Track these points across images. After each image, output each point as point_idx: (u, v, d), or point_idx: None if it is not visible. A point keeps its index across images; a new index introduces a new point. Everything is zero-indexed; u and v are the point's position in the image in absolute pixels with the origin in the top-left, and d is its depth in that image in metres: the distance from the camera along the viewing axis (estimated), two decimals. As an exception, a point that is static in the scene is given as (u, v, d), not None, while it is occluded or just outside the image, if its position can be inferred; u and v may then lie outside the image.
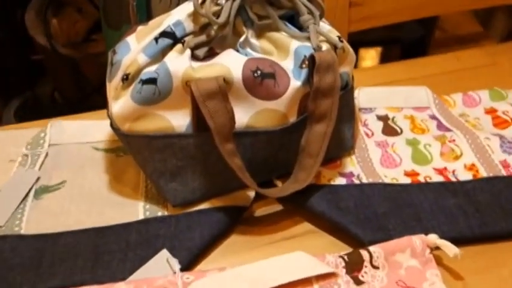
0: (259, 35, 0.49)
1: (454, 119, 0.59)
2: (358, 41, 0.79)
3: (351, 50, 0.52)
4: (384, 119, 0.60)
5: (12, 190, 0.51)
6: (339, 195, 0.50)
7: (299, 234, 0.49)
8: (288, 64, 0.47)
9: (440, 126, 0.59)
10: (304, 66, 0.47)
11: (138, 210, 0.49)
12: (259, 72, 0.45)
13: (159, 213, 0.48)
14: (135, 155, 0.48)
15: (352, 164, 0.54)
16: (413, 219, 0.48)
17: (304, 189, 0.49)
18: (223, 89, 0.43)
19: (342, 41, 0.49)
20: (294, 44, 0.47)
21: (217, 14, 0.45)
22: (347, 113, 0.53)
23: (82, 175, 0.53)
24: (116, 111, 0.45)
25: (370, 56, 0.94)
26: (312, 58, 0.46)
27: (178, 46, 0.45)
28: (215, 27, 0.46)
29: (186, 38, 0.46)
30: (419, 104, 0.62)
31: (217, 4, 0.46)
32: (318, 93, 0.47)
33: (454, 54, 0.74)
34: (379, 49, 0.92)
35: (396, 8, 0.71)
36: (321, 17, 0.49)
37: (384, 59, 0.92)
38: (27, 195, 0.50)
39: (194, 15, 0.46)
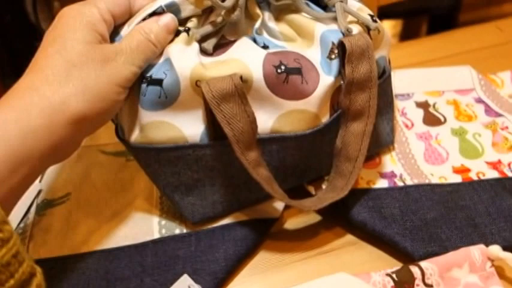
0: (277, 17, 0.42)
1: (504, 102, 0.52)
2: (380, 13, 0.71)
3: (386, 29, 0.44)
4: (424, 105, 0.53)
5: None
6: (381, 200, 0.43)
7: (337, 247, 0.42)
8: (314, 54, 0.40)
9: (488, 111, 0.52)
10: (333, 56, 0.39)
11: (153, 227, 0.43)
12: (283, 67, 0.38)
13: (177, 230, 0.42)
14: (144, 168, 0.41)
15: (393, 162, 0.47)
16: (468, 225, 0.42)
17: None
18: (240, 90, 0.36)
19: (375, 21, 0.42)
20: (319, 28, 0.40)
21: None
22: (385, 103, 0.46)
23: (88, 185, 0.47)
24: (122, 117, 0.40)
25: (395, 30, 0.86)
26: (341, 45, 0.39)
27: (183, 35, 0.38)
28: (222, 12, 0.39)
29: (191, 29, 0.39)
30: (462, 86, 0.55)
31: None
32: (352, 87, 0.40)
33: (495, 24, 0.67)
34: (404, 21, 0.84)
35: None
36: None
37: (411, 32, 0.84)
38: (27, 211, 0.45)
39: None
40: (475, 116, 0.52)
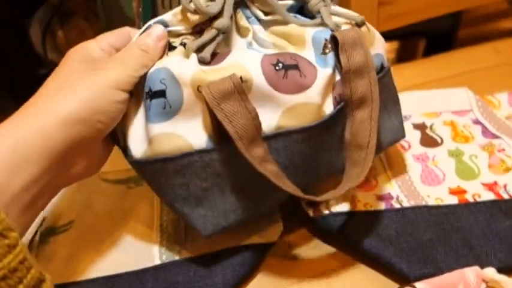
0: (267, 30, 0.43)
1: (501, 123, 0.53)
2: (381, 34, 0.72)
3: (376, 32, 0.45)
4: (421, 127, 0.54)
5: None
6: (378, 222, 0.44)
7: (334, 268, 0.43)
8: (308, 55, 0.41)
9: (485, 132, 0.52)
10: (327, 51, 0.40)
11: (154, 253, 0.43)
12: (280, 65, 0.39)
13: (177, 257, 0.43)
14: (151, 183, 0.41)
15: (389, 184, 0.48)
16: (464, 247, 0.42)
17: (338, 218, 0.43)
18: (239, 88, 0.37)
19: (363, 23, 0.43)
20: (309, 31, 0.41)
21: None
22: (389, 98, 0.46)
23: (90, 212, 0.48)
24: (129, 138, 0.40)
25: (391, 55, 0.86)
26: (333, 39, 0.40)
27: (179, 49, 0.40)
28: (213, 24, 0.39)
29: (187, 42, 0.40)
30: (459, 107, 0.56)
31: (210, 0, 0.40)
32: (350, 75, 0.40)
33: (492, 45, 0.67)
34: (401, 43, 0.85)
35: (428, 3, 0.64)
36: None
37: (408, 53, 0.85)
38: (32, 239, 0.46)
39: (183, 14, 0.40)
40: (472, 137, 0.52)
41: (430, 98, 0.56)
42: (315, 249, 0.45)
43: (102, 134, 0.38)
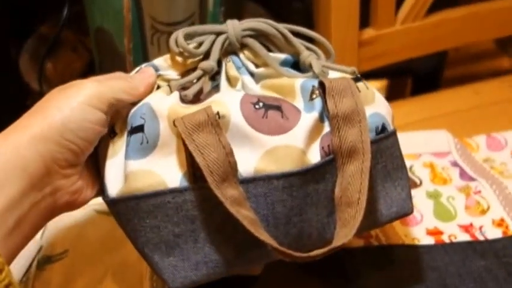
0: (258, 83, 0.42)
1: (478, 166, 0.55)
2: (365, 73, 0.75)
3: (378, 93, 0.43)
4: (401, 168, 0.56)
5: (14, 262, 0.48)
6: (356, 259, 0.46)
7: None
8: (296, 104, 0.39)
9: (463, 174, 0.55)
10: (314, 96, 0.39)
11: (144, 284, 0.45)
12: (261, 104, 0.37)
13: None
14: (124, 225, 0.39)
15: (369, 224, 0.50)
16: (439, 285, 0.44)
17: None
18: (213, 120, 0.35)
19: (359, 79, 0.42)
20: (298, 81, 0.40)
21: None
22: (394, 166, 0.42)
23: (84, 242, 0.50)
24: (106, 176, 0.39)
25: (382, 89, 0.89)
26: (321, 85, 0.39)
27: (164, 88, 0.40)
28: (200, 65, 0.40)
29: (171, 82, 0.40)
30: (439, 149, 0.58)
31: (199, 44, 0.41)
32: (339, 122, 0.38)
33: (472, 88, 0.70)
34: (388, 81, 0.88)
35: (408, 44, 0.67)
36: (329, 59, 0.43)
37: (394, 91, 0.88)
38: (30, 266, 0.48)
39: (172, 59, 0.41)
40: (450, 179, 0.55)
41: (410, 140, 0.58)
42: (295, 281, 0.46)
43: (78, 158, 0.36)
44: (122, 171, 0.38)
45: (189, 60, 0.41)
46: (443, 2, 0.69)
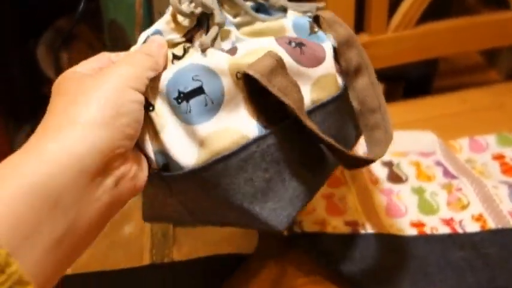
0: (239, 31, 0.41)
1: (460, 166, 0.59)
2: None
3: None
4: (388, 165, 0.59)
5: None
6: (344, 245, 0.49)
7: (303, 284, 0.48)
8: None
9: (446, 173, 0.58)
10: (316, 29, 0.42)
11: (143, 254, 0.48)
12: (293, 43, 0.39)
13: (166, 259, 0.47)
14: (216, 189, 0.37)
15: (357, 212, 0.53)
16: (420, 273, 0.47)
17: (309, 237, 0.48)
18: (281, 63, 0.37)
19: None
20: (287, 21, 0.42)
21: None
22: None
23: None
24: (170, 149, 0.36)
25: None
26: (316, 19, 0.43)
27: (192, 49, 0.39)
28: (213, 21, 0.38)
29: (200, 39, 0.39)
30: (425, 149, 0.61)
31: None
32: (343, 47, 0.42)
33: (459, 95, 0.74)
34: (381, 86, 0.92)
35: (399, 51, 0.71)
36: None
37: (387, 95, 0.91)
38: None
39: (174, 21, 0.39)
40: (434, 176, 0.58)
41: (399, 139, 0.61)
42: (285, 266, 0.49)
43: (132, 141, 0.35)
44: (186, 139, 0.36)
45: (189, 20, 0.40)
46: (436, 12, 0.72)
